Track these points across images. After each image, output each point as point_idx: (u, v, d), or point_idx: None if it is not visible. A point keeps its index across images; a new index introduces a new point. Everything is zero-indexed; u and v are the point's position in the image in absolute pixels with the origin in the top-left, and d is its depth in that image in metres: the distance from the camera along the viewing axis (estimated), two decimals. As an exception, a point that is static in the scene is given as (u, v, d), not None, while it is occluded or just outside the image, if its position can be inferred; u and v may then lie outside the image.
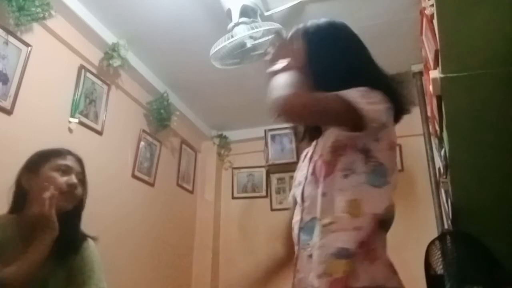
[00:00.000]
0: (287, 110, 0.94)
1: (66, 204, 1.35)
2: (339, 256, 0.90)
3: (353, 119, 0.94)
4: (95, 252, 1.42)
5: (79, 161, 1.44)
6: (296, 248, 1.04)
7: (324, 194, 0.98)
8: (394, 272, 0.95)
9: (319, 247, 0.94)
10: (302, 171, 1.11)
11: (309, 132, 1.17)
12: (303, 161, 1.17)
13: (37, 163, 1.37)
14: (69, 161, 1.39)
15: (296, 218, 1.07)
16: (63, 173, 1.36)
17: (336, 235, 0.92)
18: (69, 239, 1.36)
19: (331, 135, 1.03)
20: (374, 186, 0.96)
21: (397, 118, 1.07)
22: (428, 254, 1.66)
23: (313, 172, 1.04)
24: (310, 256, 0.96)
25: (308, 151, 1.17)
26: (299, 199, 1.08)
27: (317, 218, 0.98)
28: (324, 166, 1.00)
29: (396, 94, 1.06)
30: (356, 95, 0.95)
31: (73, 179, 1.37)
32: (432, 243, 1.68)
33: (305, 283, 0.96)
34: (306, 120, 1.05)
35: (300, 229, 1.03)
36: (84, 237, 1.42)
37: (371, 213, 0.94)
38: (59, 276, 1.34)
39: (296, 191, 1.11)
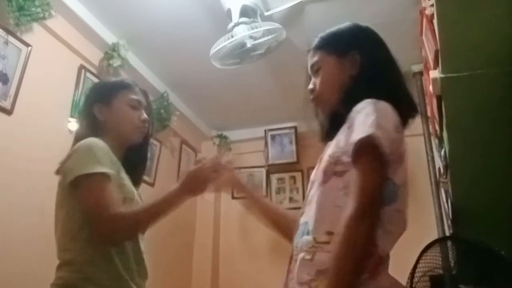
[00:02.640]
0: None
1: (138, 138, 1.37)
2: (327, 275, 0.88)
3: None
4: None
5: (145, 94, 1.44)
6: (291, 248, 1.02)
7: (320, 204, 0.96)
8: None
9: (309, 260, 0.92)
10: (315, 170, 1.07)
11: (326, 133, 1.13)
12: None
13: (108, 95, 1.36)
14: (139, 96, 1.39)
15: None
16: (133, 108, 1.36)
17: (330, 255, 0.87)
18: (139, 171, 1.42)
19: (334, 143, 1.00)
20: None
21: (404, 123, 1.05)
22: (420, 258, 1.66)
23: (316, 175, 1.02)
24: (296, 260, 0.95)
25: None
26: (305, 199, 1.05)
27: (310, 227, 0.95)
28: (321, 173, 0.99)
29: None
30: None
31: (144, 114, 1.37)
32: (428, 246, 1.68)
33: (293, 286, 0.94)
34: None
35: (295, 230, 1.01)
36: None
37: None
38: None
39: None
